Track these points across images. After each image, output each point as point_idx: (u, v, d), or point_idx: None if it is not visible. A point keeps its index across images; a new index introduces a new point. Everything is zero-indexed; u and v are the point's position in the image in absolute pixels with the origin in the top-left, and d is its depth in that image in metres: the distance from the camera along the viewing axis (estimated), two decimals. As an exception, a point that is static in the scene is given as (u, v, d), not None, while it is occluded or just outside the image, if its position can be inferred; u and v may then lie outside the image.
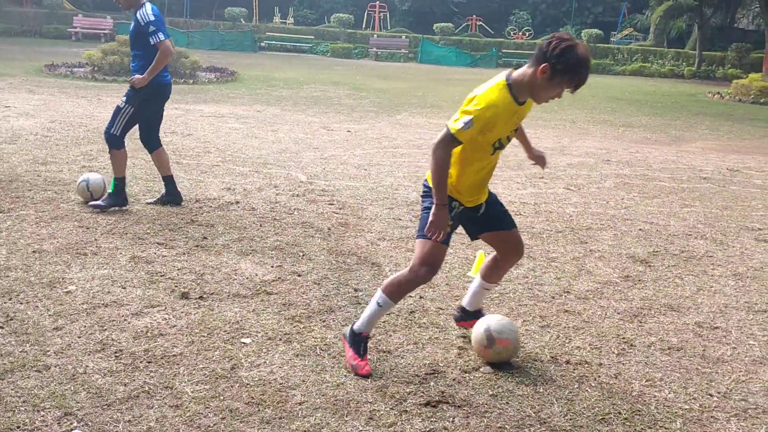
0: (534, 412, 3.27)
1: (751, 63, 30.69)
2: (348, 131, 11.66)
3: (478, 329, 3.74)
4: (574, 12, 42.10)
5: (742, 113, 18.72)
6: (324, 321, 4.15)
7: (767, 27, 25.79)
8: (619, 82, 28.44)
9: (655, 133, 13.84)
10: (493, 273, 3.91)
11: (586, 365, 3.78)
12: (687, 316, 4.57)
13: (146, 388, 3.29)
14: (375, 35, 37.65)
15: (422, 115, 14.58)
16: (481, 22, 40.70)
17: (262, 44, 35.69)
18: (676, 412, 3.35)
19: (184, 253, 5.18)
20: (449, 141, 3.35)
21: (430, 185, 3.48)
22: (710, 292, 5.02)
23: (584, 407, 3.35)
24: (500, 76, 3.40)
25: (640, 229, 6.56)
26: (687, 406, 3.41)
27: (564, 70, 3.21)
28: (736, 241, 6.40)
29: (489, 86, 3.38)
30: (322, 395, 3.32)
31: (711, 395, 3.53)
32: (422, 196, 3.68)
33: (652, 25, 35.70)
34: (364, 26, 40.76)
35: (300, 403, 3.23)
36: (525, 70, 3.36)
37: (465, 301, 4.05)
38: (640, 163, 10.10)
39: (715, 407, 3.42)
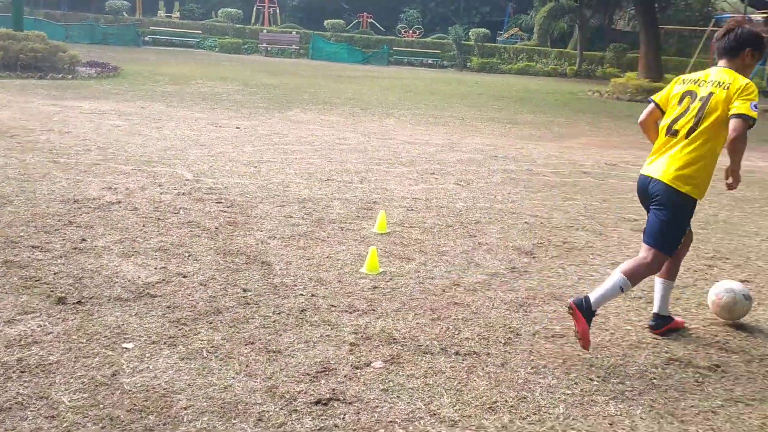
0: (424, 405, 3.30)
1: (628, 62, 32.40)
2: (237, 128, 11.45)
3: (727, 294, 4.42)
4: (462, 11, 43.07)
5: (619, 110, 19.69)
6: (211, 323, 4.04)
7: (642, 28, 27.24)
8: (506, 80, 29.32)
9: (540, 130, 14.34)
10: (671, 269, 4.32)
11: (475, 355, 3.85)
12: (569, 305, 4.73)
13: (19, 399, 3.09)
14: (265, 30, 37.22)
15: (314, 111, 14.51)
16: (371, 20, 40.96)
17: (146, 39, 34.60)
18: (559, 398, 3.46)
19: (60, 257, 4.92)
20: (747, 129, 3.84)
21: (674, 186, 3.94)
22: (591, 280, 5.23)
23: (472, 397, 3.40)
24: (728, 72, 4.00)
25: (526, 222, 6.77)
26: (569, 391, 3.53)
27: (760, 46, 4.03)
28: (614, 231, 6.70)
29: (738, 75, 3.97)
30: (209, 398, 3.22)
31: (591, 379, 3.67)
32: (657, 199, 4.04)
33: (536, 26, 37.06)
34: (253, 21, 40.21)
35: (185, 408, 3.12)
36: (731, 63, 4.04)
37: (657, 308, 4.36)
38: (526, 158, 10.42)
39: (595, 391, 3.56)
